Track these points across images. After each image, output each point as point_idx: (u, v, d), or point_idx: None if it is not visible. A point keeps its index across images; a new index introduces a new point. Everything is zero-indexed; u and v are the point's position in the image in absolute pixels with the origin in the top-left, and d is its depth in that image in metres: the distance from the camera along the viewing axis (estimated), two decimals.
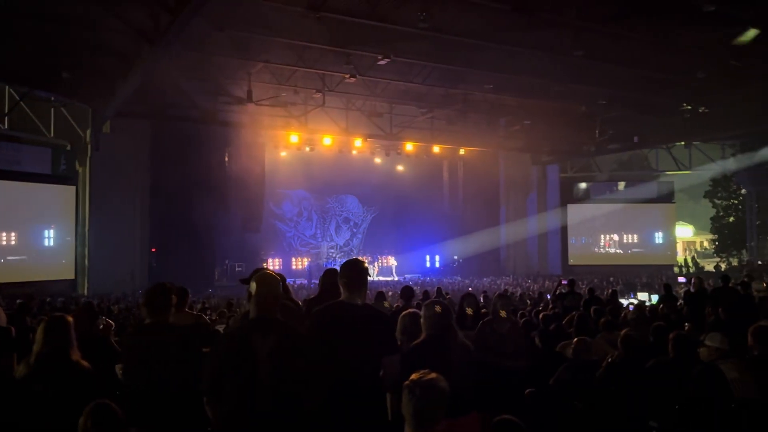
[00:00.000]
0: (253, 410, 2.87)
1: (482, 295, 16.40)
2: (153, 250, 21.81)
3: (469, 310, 6.60)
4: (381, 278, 26.60)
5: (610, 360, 5.01)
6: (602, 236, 29.96)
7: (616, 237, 29.90)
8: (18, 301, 13.76)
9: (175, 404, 3.42)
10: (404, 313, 4.20)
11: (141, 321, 4.11)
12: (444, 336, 3.59)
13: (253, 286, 3.15)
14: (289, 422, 2.92)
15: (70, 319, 3.76)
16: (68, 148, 19.04)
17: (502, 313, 5.68)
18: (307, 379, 3.00)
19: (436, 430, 2.52)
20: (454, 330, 3.72)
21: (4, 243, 17.60)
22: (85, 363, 3.64)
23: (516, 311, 8.97)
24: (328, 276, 4.58)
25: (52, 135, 18.57)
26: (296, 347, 3.03)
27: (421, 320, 3.71)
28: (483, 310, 7.99)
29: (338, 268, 4.91)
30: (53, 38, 15.18)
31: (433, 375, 2.54)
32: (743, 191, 30.09)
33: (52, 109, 18.40)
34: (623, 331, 5.25)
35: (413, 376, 2.55)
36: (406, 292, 7.59)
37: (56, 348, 3.54)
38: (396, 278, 26.71)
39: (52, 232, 18.84)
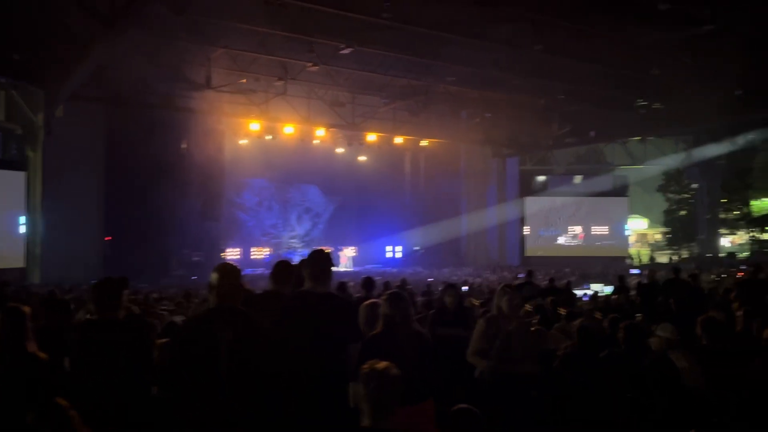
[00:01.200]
0: (213, 399, 2.85)
1: (442, 285, 16.58)
2: (107, 238, 21.30)
3: (449, 301, 6.34)
4: (341, 269, 26.58)
5: (565, 350, 5.12)
6: (558, 228, 30.54)
7: (571, 229, 30.51)
8: None
9: (122, 401, 3.34)
10: (365, 303, 4.23)
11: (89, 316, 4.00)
12: (400, 326, 3.66)
13: (214, 276, 3.13)
14: (248, 410, 2.91)
15: (27, 309, 3.66)
16: (19, 132, 18.38)
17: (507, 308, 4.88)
18: (268, 369, 3.00)
19: (394, 418, 2.56)
20: (411, 320, 3.80)
21: None
22: (42, 354, 3.56)
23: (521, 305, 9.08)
24: (298, 268, 4.57)
25: (2, 118, 17.90)
26: (257, 336, 3.03)
27: (380, 310, 3.77)
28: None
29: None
30: (3, 18, 14.62)
31: (385, 363, 2.59)
32: (695, 186, 31.05)
33: (3, 92, 17.72)
34: (578, 321, 5.37)
35: (365, 366, 2.59)
36: (367, 283, 7.62)
37: (12, 339, 3.46)
38: (350, 269, 26.72)
39: (1, 219, 18.20)
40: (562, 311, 7.45)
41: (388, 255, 30.70)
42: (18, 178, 18.41)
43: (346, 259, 28.73)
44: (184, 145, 22.65)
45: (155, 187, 20.58)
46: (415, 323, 3.94)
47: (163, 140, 20.77)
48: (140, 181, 20.38)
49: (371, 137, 25.71)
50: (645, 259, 32.35)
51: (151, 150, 20.43)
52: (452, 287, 6.66)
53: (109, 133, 20.91)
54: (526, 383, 4.75)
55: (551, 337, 5.90)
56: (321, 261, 3.58)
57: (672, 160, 28.60)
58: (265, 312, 3.49)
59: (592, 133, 25.35)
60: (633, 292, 10.46)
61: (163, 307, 9.65)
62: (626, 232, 31.69)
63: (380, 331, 3.66)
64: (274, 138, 24.54)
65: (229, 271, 3.20)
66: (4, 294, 9.02)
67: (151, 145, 20.36)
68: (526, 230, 30.09)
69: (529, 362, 4.82)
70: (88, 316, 5.81)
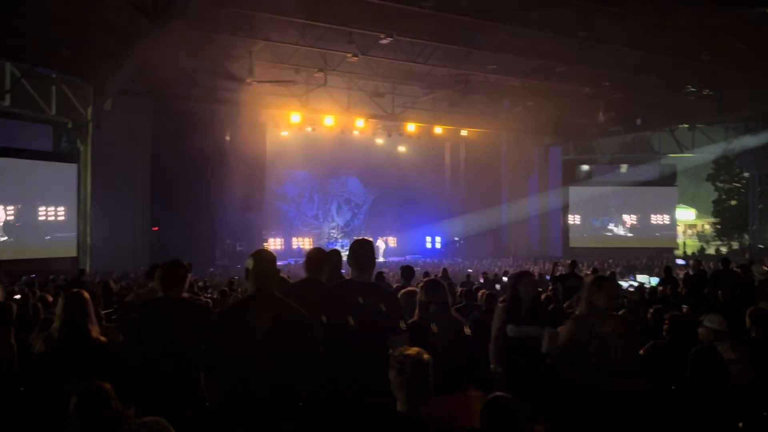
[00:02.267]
0: (251, 386, 2.89)
1: (482, 275, 16.48)
2: (155, 228, 21.84)
3: (524, 292, 5.01)
4: (379, 260, 26.65)
5: None
6: (603, 219, 29.94)
7: (616, 220, 29.88)
8: (23, 277, 13.91)
9: (182, 379, 3.39)
10: (403, 291, 4.22)
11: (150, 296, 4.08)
12: (437, 314, 3.63)
13: (250, 262, 3.17)
14: (286, 398, 2.94)
15: (87, 295, 3.78)
16: (69, 125, 18.96)
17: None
18: (305, 356, 3.02)
19: (429, 405, 2.56)
20: (448, 308, 3.76)
21: (6, 220, 17.62)
22: (103, 339, 3.68)
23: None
24: (330, 256, 4.59)
25: (53, 112, 18.49)
26: (294, 323, 3.05)
27: (417, 299, 3.74)
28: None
29: (338, 250, 4.96)
30: (53, 14, 15.07)
31: (416, 349, 2.58)
32: (746, 174, 30.00)
33: (54, 87, 18.29)
34: (621, 313, 5.26)
35: (396, 353, 2.58)
36: (407, 271, 7.59)
37: (75, 324, 3.57)
38: (384, 259, 26.76)
39: (54, 210, 18.84)
40: None
41: (428, 245, 30.65)
42: (70, 170, 19.03)
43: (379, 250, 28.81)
44: (227, 138, 23.00)
45: (199, 179, 21.00)
46: (453, 311, 3.90)
47: (207, 133, 21.11)
48: (185, 173, 20.80)
49: (411, 127, 25.62)
50: (691, 251, 31.48)
51: (196, 142, 20.80)
52: (527, 275, 5.39)
53: (155, 125, 21.41)
54: (629, 401, 3.77)
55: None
56: (365, 250, 3.55)
57: (722, 148, 27.66)
58: (304, 300, 3.53)
59: (638, 121, 24.71)
60: (680, 284, 10.20)
61: (207, 295, 9.90)
62: (674, 223, 30.87)
63: (417, 319, 3.64)
64: (314, 129, 24.72)
65: (265, 257, 3.23)
66: (81, 282, 9.38)
67: (195, 138, 20.73)
68: (571, 220, 29.57)
69: (630, 374, 3.85)
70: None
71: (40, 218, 18.45)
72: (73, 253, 19.04)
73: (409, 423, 2.48)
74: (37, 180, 18.29)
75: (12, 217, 17.77)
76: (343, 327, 3.29)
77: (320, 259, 4.08)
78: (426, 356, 2.56)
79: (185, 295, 3.93)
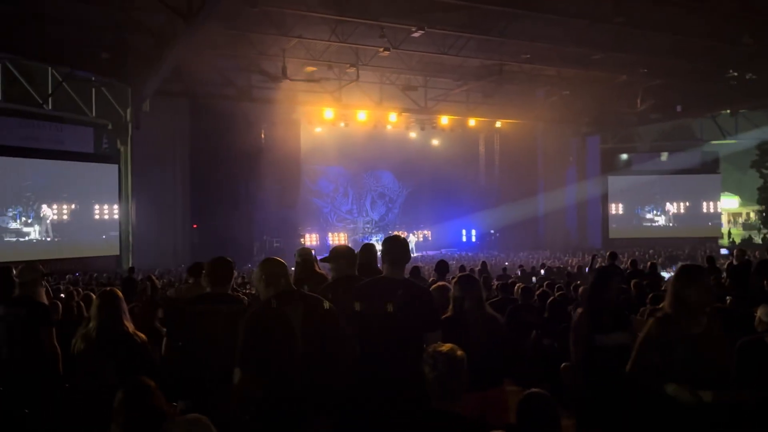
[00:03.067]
0: (287, 380, 2.93)
1: (519, 268, 16.32)
2: (194, 226, 22.25)
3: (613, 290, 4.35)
4: (414, 254, 26.63)
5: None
6: (644, 208, 29.31)
7: (658, 209, 29.22)
8: (68, 276, 14.34)
9: (225, 375, 3.42)
10: (434, 286, 4.20)
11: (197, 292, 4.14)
12: (471, 309, 3.60)
13: (259, 269, 3.25)
14: (321, 392, 2.97)
15: (120, 292, 3.87)
16: (110, 127, 19.44)
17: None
18: (338, 349, 3.05)
19: (464, 401, 2.55)
20: (482, 303, 3.72)
21: (52, 220, 18.17)
22: (141, 335, 3.76)
23: (553, 285, 8.89)
24: (364, 252, 4.59)
25: (93, 115, 18.97)
26: (325, 317, 3.09)
27: (450, 294, 3.71)
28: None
29: (373, 244, 4.95)
30: (91, 19, 15.45)
31: (449, 346, 2.57)
32: None
33: (93, 89, 18.76)
34: (648, 308, 5.12)
35: (430, 349, 2.57)
36: (441, 266, 7.55)
37: (111, 321, 3.66)
38: (416, 254, 26.69)
39: (96, 210, 19.37)
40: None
41: (463, 239, 30.49)
42: (111, 170, 19.52)
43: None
44: (262, 135, 23.26)
45: (236, 176, 21.32)
46: (488, 306, 3.86)
47: (243, 131, 21.41)
48: (222, 171, 21.14)
49: (444, 120, 25.47)
50: (737, 240, 30.58)
51: (232, 141, 21.13)
52: (616, 273, 4.53)
53: (192, 125, 21.79)
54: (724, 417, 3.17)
55: (636, 322, 5.65)
56: (398, 247, 3.53)
57: (766, 134, 26.75)
58: (339, 296, 3.54)
59: (678, 108, 24.08)
60: (724, 274, 9.93)
61: (246, 290, 10.04)
62: (718, 211, 30.03)
63: (450, 314, 3.61)
64: (347, 125, 24.80)
65: (273, 261, 3.30)
66: (132, 279, 9.65)
67: (231, 136, 21.07)
68: (611, 210, 29.02)
69: (725, 383, 3.21)
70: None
71: (84, 218, 18.98)
72: (116, 252, 19.53)
73: (444, 419, 2.48)
74: (80, 181, 18.82)
75: (57, 217, 18.32)
76: (376, 324, 3.28)
77: (343, 255, 4.04)
78: (460, 352, 2.55)
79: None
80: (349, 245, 5.20)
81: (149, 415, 2.46)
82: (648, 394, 3.32)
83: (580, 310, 4.34)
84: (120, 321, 3.67)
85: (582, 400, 3.90)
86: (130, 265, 16.45)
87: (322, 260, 3.66)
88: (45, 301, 4.63)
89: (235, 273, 4.10)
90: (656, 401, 3.27)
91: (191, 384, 3.54)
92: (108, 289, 4.01)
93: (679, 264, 3.50)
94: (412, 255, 18.46)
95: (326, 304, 3.19)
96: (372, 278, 3.57)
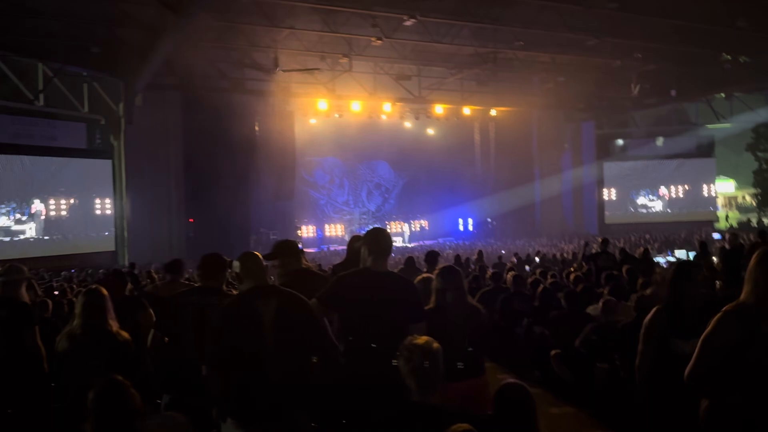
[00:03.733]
0: (262, 375, 2.92)
1: (515, 256, 16.34)
2: (191, 220, 22.23)
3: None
4: (411, 244, 26.68)
5: (624, 321, 4.92)
6: (639, 193, 29.32)
7: (653, 194, 29.24)
8: (63, 273, 14.33)
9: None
10: (419, 278, 4.19)
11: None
12: (453, 301, 3.59)
13: (237, 264, 3.25)
14: (298, 386, 2.96)
15: (105, 291, 3.85)
16: (102, 122, 19.36)
17: None
18: (314, 343, 3.04)
19: (447, 392, 2.55)
20: (464, 294, 3.71)
21: (46, 217, 18.12)
22: (124, 333, 3.75)
23: (545, 273, 8.90)
24: (355, 242, 4.58)
25: (86, 110, 18.89)
26: (298, 310, 3.08)
27: (432, 286, 3.70)
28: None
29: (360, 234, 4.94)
30: (81, 13, 15.35)
31: (425, 338, 2.56)
32: None
33: (85, 85, 18.68)
34: (649, 291, 5.14)
35: (406, 342, 2.57)
36: (431, 256, 7.42)
37: (95, 320, 3.65)
38: (409, 244, 26.69)
39: (91, 205, 19.33)
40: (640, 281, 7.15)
41: (460, 228, 30.52)
42: (105, 166, 19.46)
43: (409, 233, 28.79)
44: (256, 128, 23.19)
45: (231, 169, 21.25)
46: (470, 298, 3.86)
47: (237, 123, 21.33)
48: (217, 164, 21.06)
49: (439, 109, 25.40)
50: (734, 223, 30.63)
51: (226, 133, 21.05)
52: (695, 266, 3.98)
53: (186, 119, 21.70)
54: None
55: (623, 309, 5.67)
56: (380, 239, 3.52)
57: (761, 117, 26.72)
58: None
59: (673, 92, 24.02)
60: (716, 259, 9.95)
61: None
62: (713, 195, 30.06)
63: (433, 306, 3.61)
64: (342, 116, 24.73)
65: (250, 255, 3.31)
66: (133, 275, 9.63)
67: (225, 129, 20.98)
68: (607, 196, 29.02)
69: None
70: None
71: (78, 214, 18.95)
72: (112, 248, 19.52)
73: (421, 412, 2.48)
74: (74, 177, 18.76)
75: (51, 213, 18.28)
76: (360, 316, 3.28)
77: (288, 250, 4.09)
78: (435, 345, 2.55)
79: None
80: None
81: (121, 414, 2.45)
82: (712, 406, 2.86)
83: (656, 308, 3.60)
84: (104, 319, 3.66)
85: (644, 411, 3.51)
86: (131, 261, 16.42)
87: (265, 257, 3.64)
88: (27, 300, 4.62)
89: (230, 270, 4.07)
90: (723, 414, 2.80)
91: (177, 378, 3.53)
92: (93, 287, 3.99)
93: (760, 249, 2.78)
94: (406, 246, 18.53)
95: (302, 298, 3.18)
96: (354, 270, 3.56)
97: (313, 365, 3.09)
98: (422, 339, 2.55)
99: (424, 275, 4.29)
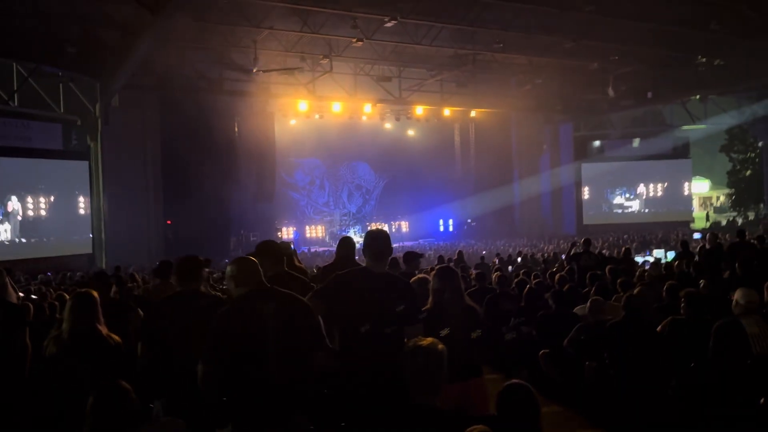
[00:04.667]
0: (261, 376, 2.89)
1: (496, 257, 16.41)
2: (168, 222, 21.97)
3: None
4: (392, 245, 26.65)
5: (613, 320, 4.96)
6: (617, 194, 29.68)
7: (630, 194, 29.62)
8: (39, 276, 14.04)
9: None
10: (414, 278, 4.18)
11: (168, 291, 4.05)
12: (451, 301, 3.59)
13: (229, 268, 3.24)
14: (297, 388, 2.93)
15: (95, 294, 3.78)
16: (78, 123, 19.03)
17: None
18: (312, 344, 3.01)
19: (446, 393, 2.53)
20: (462, 294, 3.71)
21: (22, 218, 17.75)
22: (115, 337, 3.68)
23: (530, 273, 8.95)
24: (343, 245, 4.56)
25: (61, 111, 18.56)
26: (297, 311, 3.06)
27: (429, 286, 3.69)
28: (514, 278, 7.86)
29: (351, 237, 4.92)
30: (56, 12, 15.09)
31: (430, 340, 2.55)
32: (760, 144, 29.58)
33: (61, 85, 18.34)
34: (627, 293, 5.18)
35: (410, 343, 2.55)
36: (408, 257, 7.26)
37: (85, 324, 3.58)
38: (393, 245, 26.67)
39: (68, 207, 18.98)
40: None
41: (441, 228, 30.63)
42: (81, 167, 19.13)
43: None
44: (235, 129, 23.00)
45: (210, 171, 21.01)
46: (467, 298, 3.86)
47: (215, 124, 21.13)
48: (196, 165, 20.80)
49: (419, 111, 25.46)
50: (707, 224, 31.12)
51: (204, 134, 20.84)
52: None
53: (163, 119, 21.42)
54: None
55: (610, 308, 5.72)
56: (380, 240, 3.50)
57: (735, 118, 27.23)
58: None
59: (649, 94, 24.38)
60: (697, 258, 10.08)
61: (223, 286, 9.93)
62: (689, 195, 30.52)
63: (430, 306, 3.60)
64: (322, 117, 24.66)
65: (246, 259, 3.29)
66: (119, 277, 9.44)
67: (203, 130, 20.77)
68: (585, 197, 29.33)
69: None
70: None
71: (55, 216, 18.59)
72: (89, 250, 19.20)
73: (422, 413, 2.46)
74: (50, 178, 18.42)
75: (27, 215, 17.91)
76: (355, 316, 3.26)
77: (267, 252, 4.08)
78: (441, 346, 2.53)
79: (203, 289, 3.93)
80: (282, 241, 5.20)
81: (121, 419, 2.40)
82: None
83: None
84: (93, 323, 3.59)
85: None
86: (116, 264, 16.13)
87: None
88: (15, 301, 4.52)
89: (207, 270, 4.03)
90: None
91: (167, 383, 3.47)
92: (83, 290, 3.91)
93: None
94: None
95: (300, 299, 3.15)
96: (353, 269, 3.54)
97: (313, 367, 3.06)
98: (427, 340, 2.53)
99: (420, 276, 4.29)
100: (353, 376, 3.20)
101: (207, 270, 5.62)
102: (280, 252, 4.10)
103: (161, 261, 5.96)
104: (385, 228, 28.62)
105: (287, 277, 4.05)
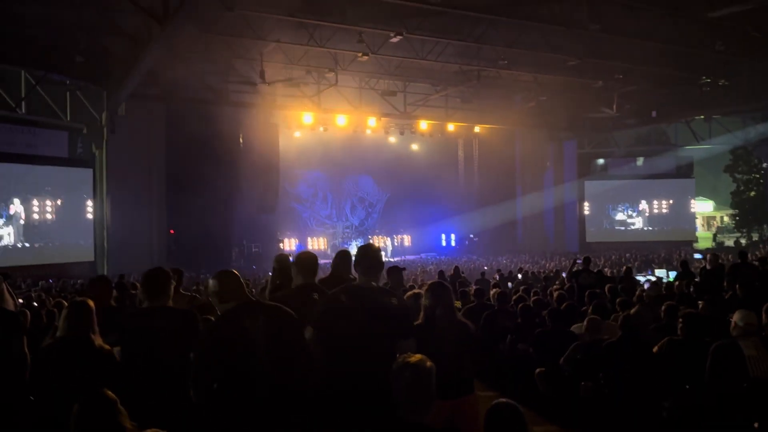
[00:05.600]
0: (247, 391, 2.86)
1: (497, 273, 16.38)
2: (171, 232, 22.00)
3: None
4: (393, 259, 26.63)
5: (609, 340, 4.94)
6: (620, 212, 29.62)
7: (633, 213, 29.56)
8: (40, 282, 14.07)
9: (172, 389, 3.34)
10: (409, 294, 4.18)
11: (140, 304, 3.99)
12: (442, 317, 3.57)
13: (215, 284, 3.15)
14: (284, 402, 2.90)
15: (92, 303, 3.76)
16: (84, 131, 19.15)
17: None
18: (300, 358, 2.98)
19: (437, 410, 2.52)
20: (453, 311, 3.69)
21: (25, 225, 17.80)
22: (107, 347, 3.65)
23: (529, 290, 8.93)
24: (339, 258, 4.54)
25: (68, 118, 18.68)
26: (286, 325, 3.03)
27: (421, 302, 3.68)
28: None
29: (348, 250, 4.91)
30: (65, 22, 15.23)
31: (418, 356, 2.53)
32: (765, 165, 29.51)
33: (68, 93, 18.48)
34: (624, 313, 5.16)
35: (399, 360, 2.54)
36: (393, 272, 6.90)
37: (79, 333, 3.56)
38: (390, 258, 26.66)
39: (70, 215, 19.04)
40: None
41: (443, 243, 30.59)
42: (86, 175, 19.22)
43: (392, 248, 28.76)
44: (240, 140, 23.10)
45: (214, 181, 21.10)
46: (459, 315, 3.84)
47: (220, 135, 21.23)
48: (199, 176, 20.90)
49: (423, 125, 25.55)
50: (709, 244, 30.98)
51: (209, 145, 20.94)
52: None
53: (169, 129, 21.53)
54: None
55: (608, 327, 5.68)
56: (371, 255, 3.50)
57: (739, 139, 27.22)
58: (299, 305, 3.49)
59: (653, 113, 24.41)
60: (697, 278, 10.04)
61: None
62: (692, 215, 30.43)
63: (421, 322, 3.58)
64: (327, 129, 24.77)
65: (228, 273, 3.21)
66: (122, 284, 9.45)
67: (208, 141, 20.87)
68: (587, 215, 29.28)
69: None
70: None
71: (58, 223, 18.65)
72: (91, 258, 19.23)
73: (410, 431, 2.45)
74: (54, 186, 18.51)
75: (30, 222, 17.96)
76: (349, 332, 3.24)
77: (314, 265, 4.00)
78: (429, 364, 2.51)
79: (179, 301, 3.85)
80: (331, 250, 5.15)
81: (105, 429, 2.39)
82: None
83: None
84: (87, 332, 3.57)
85: None
86: (120, 273, 16.13)
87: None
88: (12, 308, 4.53)
89: (173, 282, 3.89)
90: None
91: (139, 401, 3.39)
92: (79, 299, 3.91)
93: None
94: (389, 260, 18.36)
95: (288, 312, 3.13)
96: (345, 286, 3.52)
97: (302, 381, 3.03)
98: (415, 357, 2.51)
99: (415, 291, 4.27)
100: (342, 393, 3.18)
101: (174, 282, 5.52)
102: (316, 265, 4.02)
103: (170, 268, 5.82)
104: (388, 242, 28.65)
105: (313, 289, 3.94)
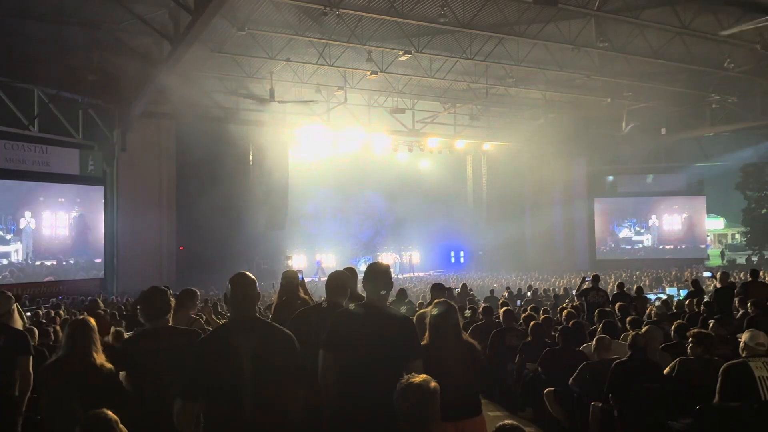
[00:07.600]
0: (238, 411, 2.80)
1: (506, 290, 16.30)
2: (181, 248, 22.08)
3: None
4: (402, 276, 26.59)
5: (618, 359, 4.88)
6: (630, 229, 29.47)
7: (643, 230, 29.39)
8: (51, 300, 14.15)
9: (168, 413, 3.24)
10: (418, 313, 4.13)
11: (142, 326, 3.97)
12: (448, 336, 3.53)
13: (228, 288, 3.06)
14: (277, 424, 2.84)
15: (93, 322, 3.75)
16: (96, 148, 19.34)
17: None
18: (294, 379, 2.92)
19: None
20: (459, 331, 3.65)
21: (35, 242, 17.93)
22: (108, 365, 3.63)
23: (538, 308, 8.87)
24: (335, 276, 4.47)
25: (80, 136, 18.88)
26: (280, 344, 2.96)
27: (426, 321, 3.63)
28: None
29: (354, 268, 4.89)
30: (78, 41, 15.46)
31: (422, 377, 2.50)
32: None
33: (80, 111, 18.70)
34: (632, 333, 5.10)
35: (403, 380, 2.50)
36: (398, 293, 6.97)
37: (79, 350, 3.55)
38: (400, 276, 26.60)
39: (82, 232, 19.16)
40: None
41: (452, 260, 30.50)
42: (97, 192, 19.38)
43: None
44: (250, 157, 23.23)
45: (224, 199, 21.19)
46: (465, 334, 3.79)
47: (230, 153, 21.38)
48: (209, 193, 20.99)
49: (432, 142, 25.62)
50: (723, 261, 30.71)
51: (219, 163, 21.07)
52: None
53: (179, 147, 21.68)
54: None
55: (617, 347, 5.61)
56: (380, 274, 3.44)
57: (750, 156, 27.09)
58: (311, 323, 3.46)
59: (663, 130, 24.37)
60: (706, 297, 9.94)
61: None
62: (703, 232, 30.21)
63: (427, 342, 3.54)
64: (336, 146, 24.86)
65: (242, 280, 3.09)
66: (58, 307, 9.49)
67: (219, 158, 21.01)
68: (597, 232, 29.12)
69: None
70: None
71: (68, 240, 18.77)
72: (101, 274, 19.31)
73: None
74: (65, 203, 18.66)
75: (41, 239, 18.08)
76: (356, 353, 3.20)
77: (344, 284, 3.91)
78: (433, 384, 2.47)
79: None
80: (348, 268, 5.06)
81: None
82: None
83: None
84: (89, 351, 3.56)
85: None
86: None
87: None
88: (20, 327, 4.54)
89: (173, 302, 3.83)
90: None
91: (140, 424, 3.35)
92: (81, 317, 3.90)
93: None
94: (397, 277, 18.26)
95: (284, 331, 3.05)
96: (349, 309, 3.48)
97: (295, 402, 2.96)
98: (419, 378, 2.48)
99: (423, 311, 4.23)
100: (350, 413, 3.14)
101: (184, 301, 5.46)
102: (343, 283, 3.97)
103: (183, 290, 5.73)
104: (397, 258, 28.59)
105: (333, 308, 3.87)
